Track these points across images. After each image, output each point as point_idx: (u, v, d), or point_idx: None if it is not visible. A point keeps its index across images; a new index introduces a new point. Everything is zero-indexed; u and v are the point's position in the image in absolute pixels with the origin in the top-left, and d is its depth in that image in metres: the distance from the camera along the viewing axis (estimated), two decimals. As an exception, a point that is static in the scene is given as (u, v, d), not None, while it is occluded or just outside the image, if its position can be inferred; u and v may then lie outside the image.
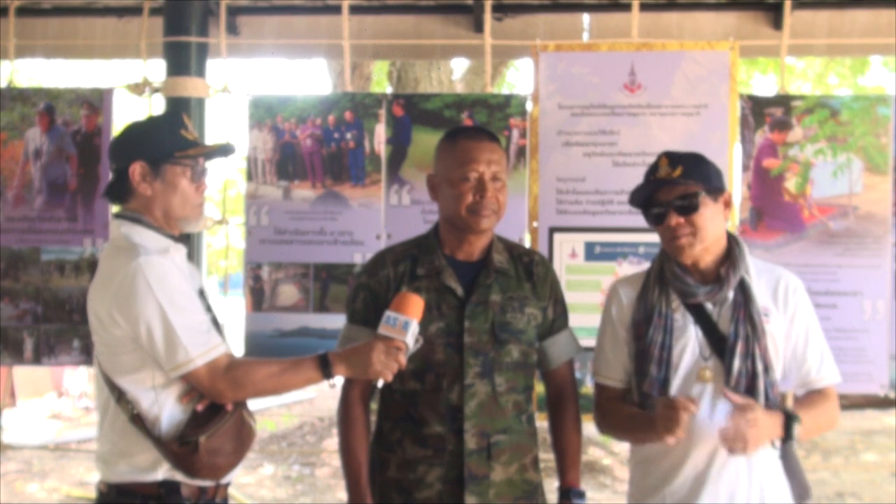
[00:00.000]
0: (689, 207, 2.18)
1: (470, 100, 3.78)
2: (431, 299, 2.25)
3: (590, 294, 3.47)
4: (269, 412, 9.86)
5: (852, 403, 8.85)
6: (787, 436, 2.11)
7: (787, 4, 3.74)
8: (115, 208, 2.29)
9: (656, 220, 2.23)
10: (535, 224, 3.58)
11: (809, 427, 2.17)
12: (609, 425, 2.35)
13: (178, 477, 2.14)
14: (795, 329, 2.23)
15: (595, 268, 3.53)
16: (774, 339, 2.21)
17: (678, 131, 3.53)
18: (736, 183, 3.54)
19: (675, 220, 2.18)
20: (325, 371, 2.16)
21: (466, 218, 2.24)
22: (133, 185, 2.18)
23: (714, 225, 2.20)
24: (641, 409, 2.24)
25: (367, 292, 2.30)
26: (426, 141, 3.61)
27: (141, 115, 2.43)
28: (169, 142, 2.18)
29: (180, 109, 2.71)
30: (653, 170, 2.25)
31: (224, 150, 2.29)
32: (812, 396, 2.26)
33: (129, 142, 2.21)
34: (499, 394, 2.24)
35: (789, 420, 2.11)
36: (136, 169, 2.16)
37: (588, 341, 2.49)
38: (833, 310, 3.49)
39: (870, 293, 3.51)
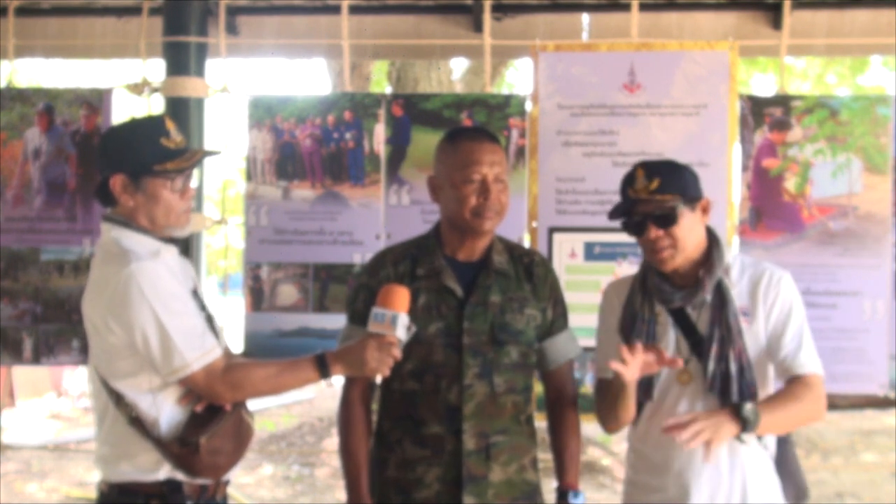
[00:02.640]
0: (667, 219, 2.17)
1: (469, 100, 3.78)
2: (431, 300, 2.25)
3: (589, 294, 3.46)
4: (269, 412, 9.85)
5: (852, 403, 8.83)
6: (744, 426, 2.04)
7: (787, 4, 3.74)
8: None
9: (635, 232, 2.23)
10: (534, 224, 3.58)
11: (777, 417, 2.09)
12: (602, 411, 2.31)
13: (180, 476, 2.14)
14: (773, 317, 2.21)
15: (594, 268, 3.53)
16: (757, 338, 2.20)
17: (678, 131, 3.53)
18: (735, 183, 3.54)
19: (655, 232, 2.17)
20: (323, 371, 2.16)
21: (470, 220, 2.23)
22: (115, 196, 2.17)
23: (693, 234, 2.20)
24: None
25: (368, 293, 2.29)
26: (426, 141, 3.61)
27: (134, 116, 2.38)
28: (149, 153, 2.14)
29: (163, 114, 2.67)
30: (629, 181, 2.22)
31: (206, 156, 2.27)
32: (787, 386, 2.18)
33: (110, 152, 2.19)
34: (497, 394, 2.24)
35: (738, 409, 2.04)
36: (117, 182, 2.14)
37: (588, 341, 2.50)
38: (833, 310, 3.48)
39: (870, 293, 3.51)
